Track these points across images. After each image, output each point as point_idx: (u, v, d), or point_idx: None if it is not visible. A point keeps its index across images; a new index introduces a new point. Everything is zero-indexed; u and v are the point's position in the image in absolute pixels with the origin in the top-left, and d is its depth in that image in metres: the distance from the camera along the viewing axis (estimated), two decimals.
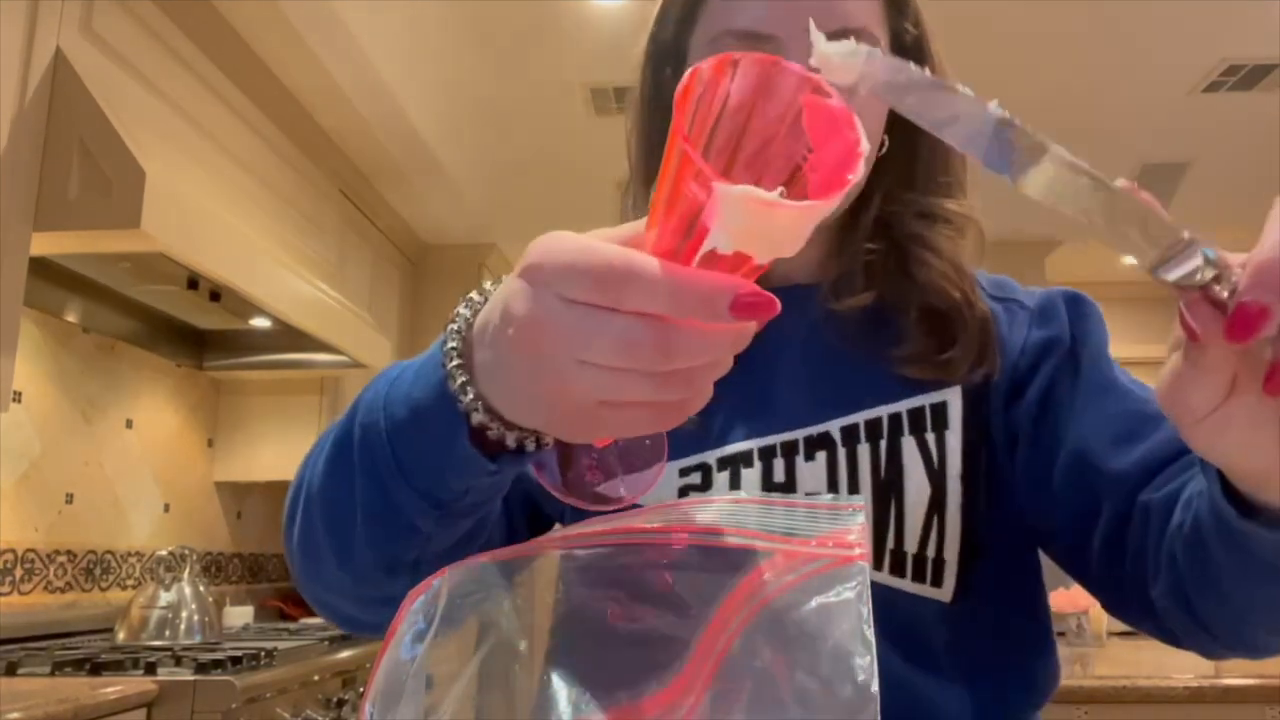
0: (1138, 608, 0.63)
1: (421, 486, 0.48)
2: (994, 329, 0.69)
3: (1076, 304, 0.74)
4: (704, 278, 0.35)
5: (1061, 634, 2.37)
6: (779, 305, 0.35)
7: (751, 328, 0.37)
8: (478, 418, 0.43)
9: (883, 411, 0.67)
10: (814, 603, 0.39)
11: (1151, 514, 0.59)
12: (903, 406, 0.67)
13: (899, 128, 0.71)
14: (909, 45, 0.72)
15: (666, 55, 0.72)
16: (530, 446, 0.45)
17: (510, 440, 0.44)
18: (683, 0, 0.70)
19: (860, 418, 0.67)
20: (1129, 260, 4.91)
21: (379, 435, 0.49)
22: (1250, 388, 0.38)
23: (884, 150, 0.71)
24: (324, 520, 0.56)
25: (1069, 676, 1.87)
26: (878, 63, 0.39)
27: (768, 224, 0.33)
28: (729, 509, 0.43)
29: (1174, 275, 0.37)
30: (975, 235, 0.73)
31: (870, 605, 0.39)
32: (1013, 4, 2.64)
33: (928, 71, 0.40)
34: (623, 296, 0.35)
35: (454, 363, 0.44)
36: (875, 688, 0.36)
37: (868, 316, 0.70)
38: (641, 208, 0.75)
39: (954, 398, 0.68)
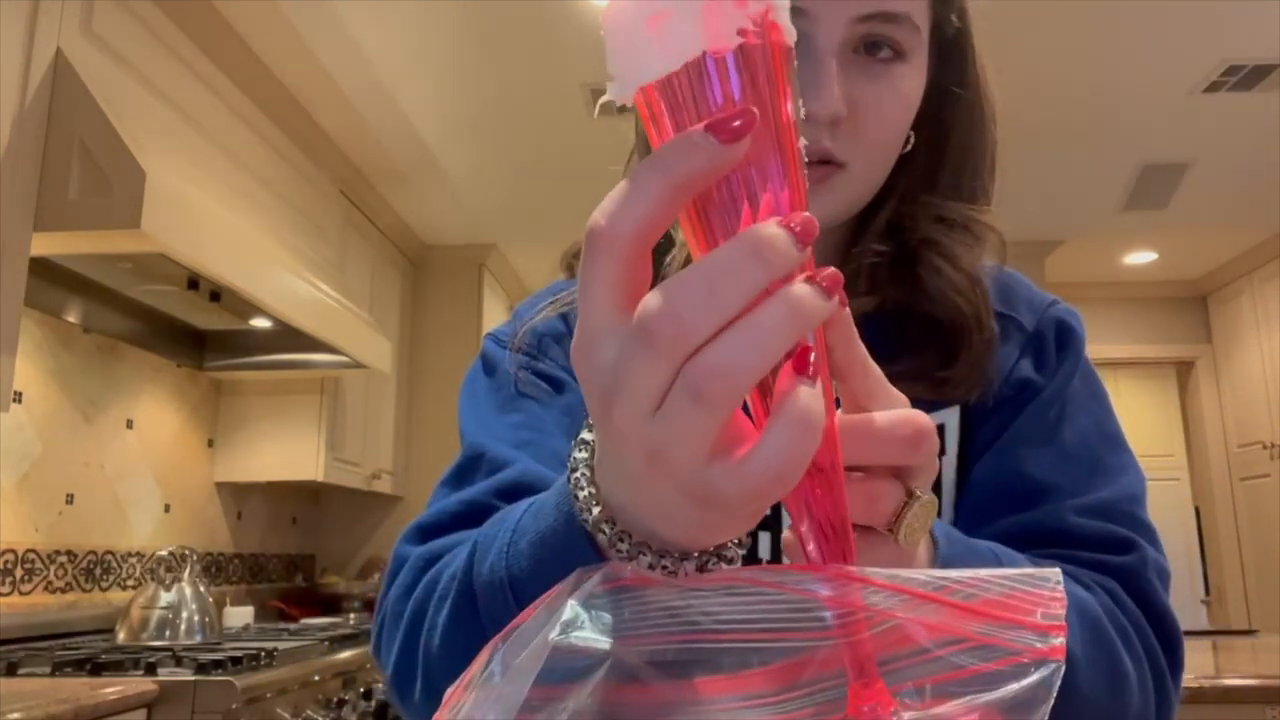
0: None
1: None
2: (995, 353, 0.65)
3: (1065, 342, 0.69)
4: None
5: None
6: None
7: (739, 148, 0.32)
8: (648, 559, 0.37)
9: None
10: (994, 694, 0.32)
11: None
12: None
13: (927, 126, 0.67)
14: (949, 38, 0.67)
15: None
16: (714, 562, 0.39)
17: (691, 566, 0.38)
18: None
19: None
20: (1128, 260, 4.92)
21: (506, 606, 0.46)
22: None
23: (908, 148, 0.66)
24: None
25: None
26: None
27: None
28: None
29: None
30: (995, 245, 0.68)
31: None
32: (1013, 4, 2.64)
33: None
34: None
35: (596, 510, 0.38)
36: None
37: (866, 324, 0.65)
38: None
39: (952, 419, 0.65)
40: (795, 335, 0.31)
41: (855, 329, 0.39)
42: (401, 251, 4.08)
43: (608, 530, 0.38)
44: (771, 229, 0.31)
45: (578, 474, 0.40)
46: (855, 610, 0.35)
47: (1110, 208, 4.19)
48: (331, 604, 3.53)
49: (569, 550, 0.41)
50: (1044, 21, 2.75)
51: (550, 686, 0.34)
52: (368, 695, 2.38)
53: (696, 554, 0.37)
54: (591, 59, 2.86)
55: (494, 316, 4.50)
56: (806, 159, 0.59)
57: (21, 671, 1.84)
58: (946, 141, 0.68)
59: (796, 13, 0.58)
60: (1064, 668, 0.33)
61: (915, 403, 0.65)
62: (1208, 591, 5.30)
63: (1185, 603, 5.51)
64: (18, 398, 2.22)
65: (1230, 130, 3.47)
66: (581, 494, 0.39)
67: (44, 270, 2.11)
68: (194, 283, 2.28)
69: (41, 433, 2.31)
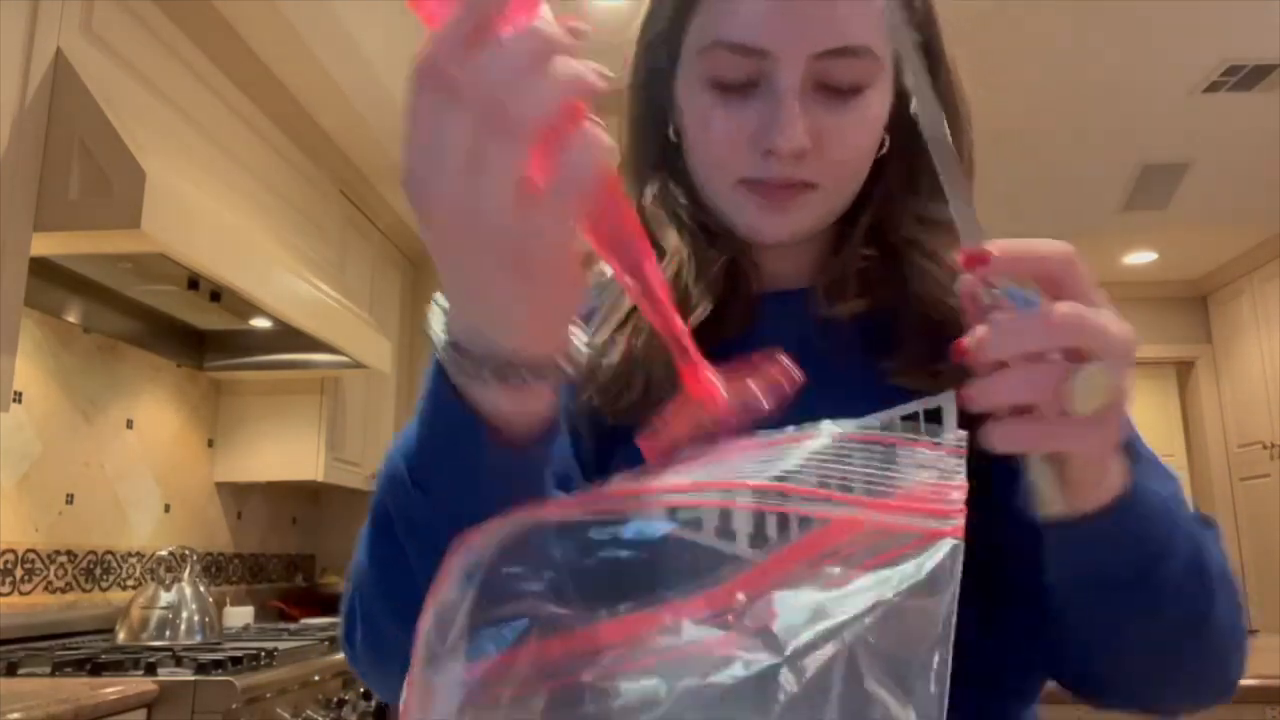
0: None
1: (471, 515, 0.43)
2: None
3: None
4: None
5: None
6: None
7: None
8: (488, 370, 0.42)
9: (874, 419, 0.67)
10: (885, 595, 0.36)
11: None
12: (896, 413, 0.65)
13: (901, 128, 0.67)
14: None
15: (660, 43, 0.68)
16: (552, 372, 0.43)
17: (531, 375, 0.43)
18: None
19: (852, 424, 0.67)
20: (1128, 260, 4.92)
21: (406, 492, 0.49)
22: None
23: (884, 150, 0.67)
24: (391, 614, 0.53)
25: None
26: None
27: None
28: (814, 454, 0.40)
29: None
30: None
31: (955, 598, 0.35)
32: (1012, 4, 2.64)
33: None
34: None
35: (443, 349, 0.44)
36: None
37: (859, 324, 0.67)
38: (633, 195, 0.72)
39: (948, 402, 0.67)
40: (574, 86, 0.38)
41: None
42: (401, 251, 4.08)
43: (453, 354, 0.42)
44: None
45: (432, 314, 0.44)
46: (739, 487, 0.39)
47: (1110, 208, 4.19)
48: (331, 604, 3.52)
49: (438, 407, 0.45)
50: (1044, 21, 2.75)
51: (484, 663, 0.36)
52: (368, 695, 2.38)
53: (536, 366, 0.42)
54: (591, 59, 2.85)
55: None
56: (775, 184, 0.63)
57: (21, 671, 1.84)
58: (920, 143, 0.68)
59: (759, 54, 0.60)
60: (963, 546, 0.37)
61: (913, 393, 0.66)
62: None
63: None
64: (18, 398, 2.22)
65: (1230, 130, 3.47)
66: (435, 333, 0.44)
67: (44, 270, 2.11)
68: (194, 283, 2.28)
69: (41, 433, 2.31)
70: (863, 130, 0.63)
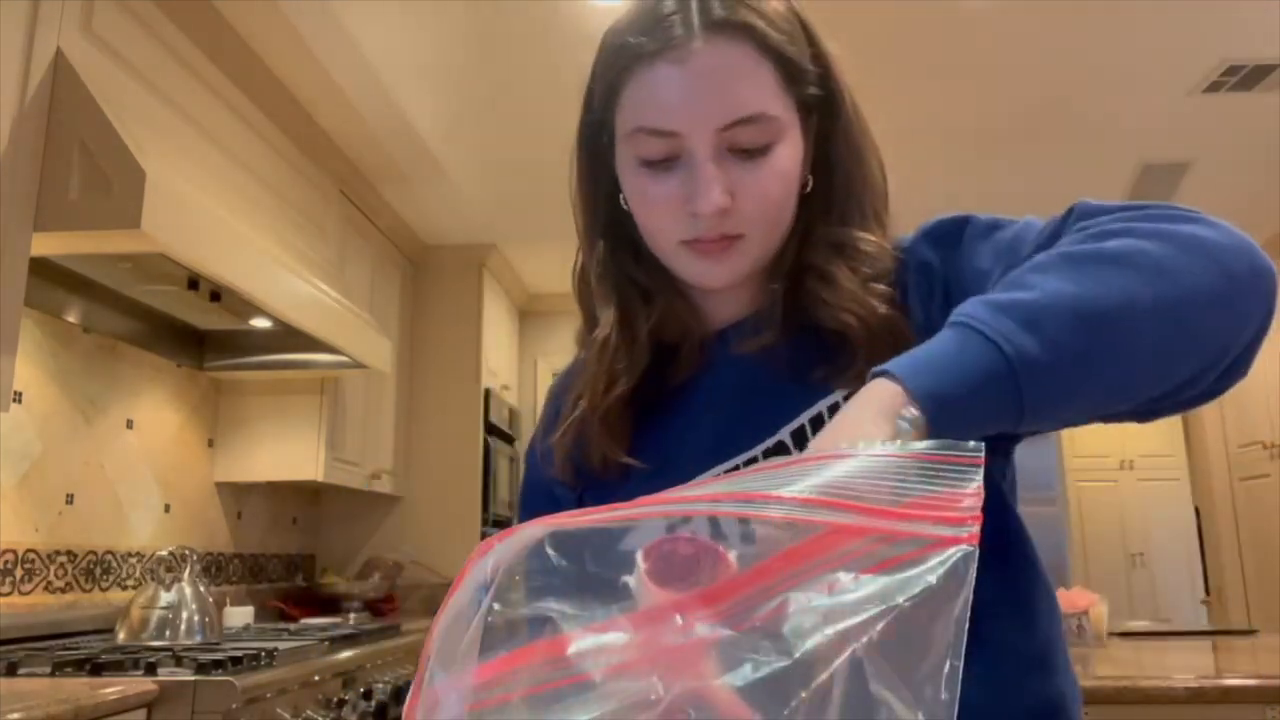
0: None
1: None
2: (903, 324, 0.72)
3: (934, 237, 0.75)
4: None
5: None
6: None
7: None
8: None
9: (821, 406, 0.73)
10: (896, 602, 0.36)
11: None
12: (838, 396, 0.73)
13: (821, 165, 0.76)
14: (815, 107, 0.75)
15: (598, 129, 0.78)
16: None
17: None
18: (603, 90, 0.76)
19: (803, 419, 0.74)
20: None
21: None
22: None
23: (809, 189, 0.76)
24: None
25: None
26: None
27: None
28: (814, 476, 0.40)
29: None
30: (885, 256, 0.75)
31: (968, 604, 0.36)
32: (1012, 4, 2.64)
33: None
34: None
35: None
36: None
37: (787, 347, 0.76)
38: (590, 265, 0.82)
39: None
40: None
41: None
42: (401, 251, 4.08)
43: None
44: None
45: None
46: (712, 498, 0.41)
47: None
48: (331, 604, 3.53)
49: None
50: (1044, 22, 2.74)
51: (495, 664, 0.36)
52: (368, 695, 2.38)
53: None
54: (591, 59, 2.85)
55: (494, 316, 4.49)
56: (709, 240, 0.71)
57: (21, 671, 1.83)
58: (833, 174, 0.78)
59: (673, 134, 0.71)
60: (977, 553, 0.37)
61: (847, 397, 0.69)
62: (1208, 591, 5.29)
63: (1185, 603, 5.50)
64: (18, 398, 2.22)
65: (1230, 130, 3.47)
66: None
67: (44, 270, 2.11)
68: (194, 283, 2.28)
69: (41, 433, 2.31)
70: (775, 181, 0.72)
